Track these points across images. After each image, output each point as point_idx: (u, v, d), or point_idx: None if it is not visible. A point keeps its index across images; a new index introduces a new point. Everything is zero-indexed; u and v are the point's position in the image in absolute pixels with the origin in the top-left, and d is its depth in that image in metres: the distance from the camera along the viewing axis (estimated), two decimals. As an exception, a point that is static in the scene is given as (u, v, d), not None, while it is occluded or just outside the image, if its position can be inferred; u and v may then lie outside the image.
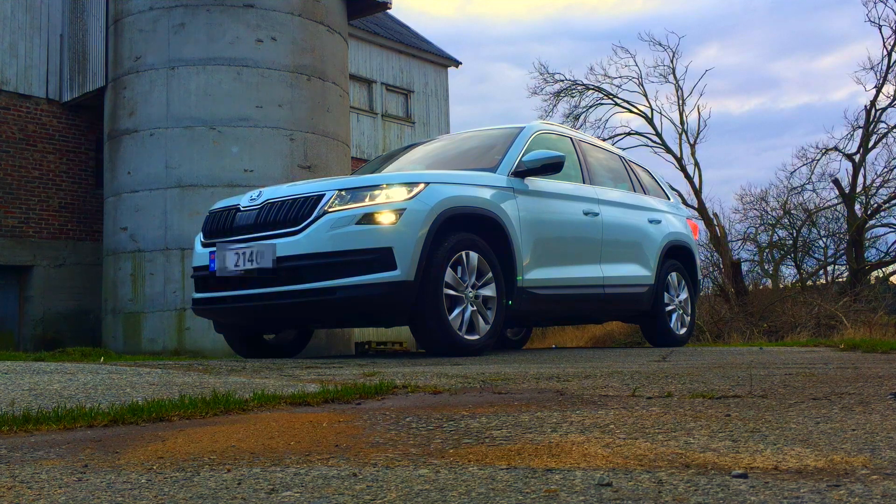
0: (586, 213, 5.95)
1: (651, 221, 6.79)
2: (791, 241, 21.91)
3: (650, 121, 23.39)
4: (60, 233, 11.33)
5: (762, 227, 22.76)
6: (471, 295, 4.87)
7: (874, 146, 20.74)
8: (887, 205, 20.46)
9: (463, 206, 4.87)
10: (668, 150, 23.11)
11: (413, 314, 4.69)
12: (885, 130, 20.60)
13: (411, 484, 1.29)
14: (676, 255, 7.08)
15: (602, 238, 6.10)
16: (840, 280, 20.37)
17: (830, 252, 21.84)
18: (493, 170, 5.35)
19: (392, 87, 16.85)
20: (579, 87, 23.62)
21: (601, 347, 11.89)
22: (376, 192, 4.64)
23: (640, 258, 6.55)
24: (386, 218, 4.53)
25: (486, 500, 1.19)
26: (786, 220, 22.23)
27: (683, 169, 22.76)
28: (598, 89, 23.65)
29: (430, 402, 2.35)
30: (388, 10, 12.65)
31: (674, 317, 6.94)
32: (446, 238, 4.75)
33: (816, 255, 22.21)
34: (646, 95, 25.59)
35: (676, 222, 7.24)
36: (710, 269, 19.30)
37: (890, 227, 20.88)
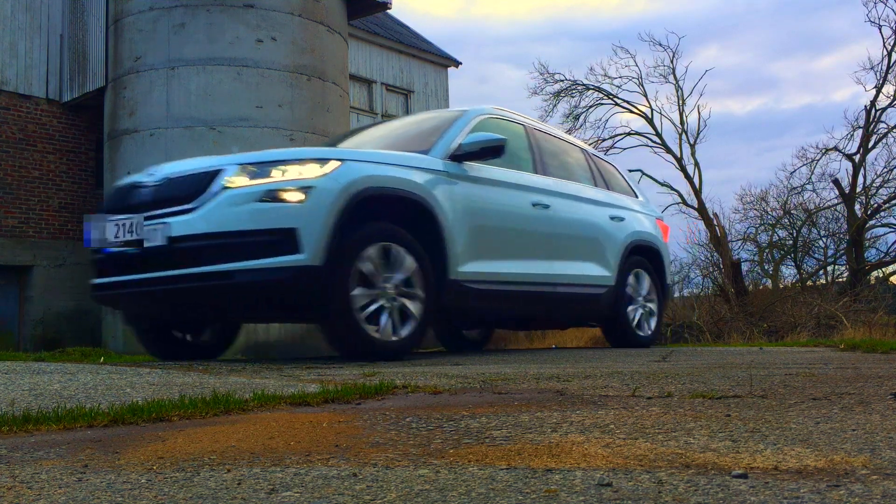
0: (535, 205, 5.52)
1: (613, 218, 6.40)
2: (791, 241, 21.91)
3: (650, 121, 23.40)
4: (60, 233, 11.33)
5: (762, 227, 22.77)
6: (391, 289, 4.40)
7: (874, 146, 20.75)
8: (887, 205, 20.46)
9: (384, 188, 4.42)
10: (668, 150, 23.12)
11: (322, 307, 4.21)
12: (885, 130, 20.61)
13: (411, 484, 1.29)
14: (642, 255, 6.72)
15: (553, 232, 5.67)
16: (840, 280, 20.36)
17: (830, 252, 21.85)
18: (427, 152, 4.91)
19: (392, 87, 16.86)
20: (579, 88, 23.63)
21: (601, 347, 11.88)
22: (284, 168, 4.20)
23: (598, 257, 6.14)
24: (291, 196, 4.10)
25: (486, 500, 1.19)
26: (786, 220, 22.23)
27: (683, 169, 22.78)
28: (598, 89, 23.66)
29: (430, 402, 2.35)
30: (388, 10, 12.66)
31: (637, 317, 6.58)
32: (364, 222, 4.33)
33: (816, 255, 22.22)
34: (646, 95, 25.65)
35: (643, 221, 6.87)
36: (710, 269, 19.30)
37: (890, 227, 20.89)
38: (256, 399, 2.32)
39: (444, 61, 18.19)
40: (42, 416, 1.99)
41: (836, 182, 20.71)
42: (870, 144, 20.58)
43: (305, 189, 4.12)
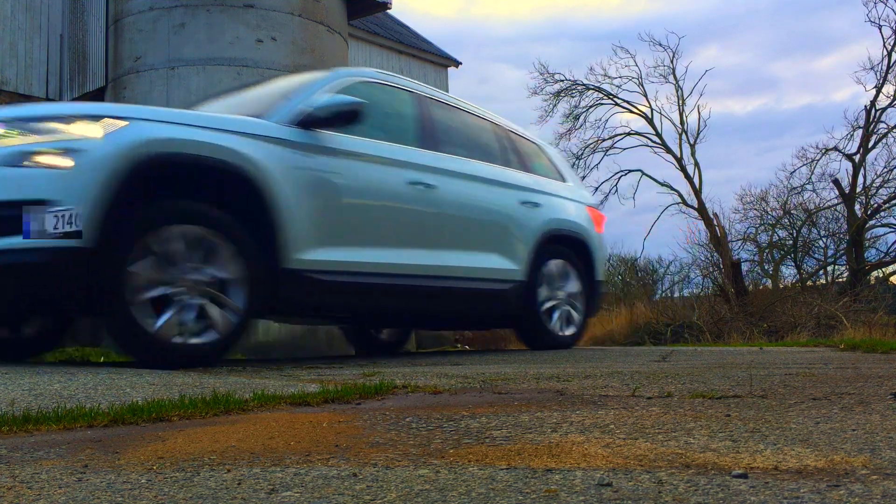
0: (414, 184, 4.70)
1: (525, 203, 5.58)
2: (791, 242, 21.92)
3: (650, 121, 23.40)
4: (60, 233, 11.32)
5: (762, 227, 22.77)
6: (195, 281, 3.63)
7: (874, 146, 20.74)
8: (887, 205, 20.45)
9: (185, 154, 3.63)
10: (668, 151, 23.12)
11: (95, 299, 3.48)
12: (886, 130, 20.60)
13: (411, 484, 1.29)
14: (565, 246, 5.93)
15: (439, 217, 4.87)
16: (840, 280, 20.36)
17: (830, 252, 21.84)
18: (266, 116, 4.16)
19: (392, 87, 16.84)
20: (579, 87, 23.61)
21: (601, 347, 11.89)
22: (47, 126, 3.44)
23: (502, 247, 5.33)
24: (51, 160, 3.31)
25: (486, 500, 1.19)
26: (786, 221, 22.23)
27: (683, 169, 22.78)
28: (598, 89, 23.65)
29: (430, 402, 2.36)
30: (388, 10, 12.66)
31: (555, 315, 5.78)
32: (158, 196, 3.59)
33: (816, 255, 22.21)
34: (646, 95, 25.57)
35: (567, 208, 6.04)
36: (710, 269, 19.32)
37: (890, 227, 20.88)
38: (256, 399, 2.32)
39: (444, 61, 18.20)
40: (42, 416, 1.99)
41: (836, 182, 20.72)
42: (870, 144, 20.58)
43: (71, 152, 3.33)
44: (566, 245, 5.97)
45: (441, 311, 5.35)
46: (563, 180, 6.34)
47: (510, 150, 5.90)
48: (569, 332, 5.94)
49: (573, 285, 5.97)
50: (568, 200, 6.14)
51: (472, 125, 5.70)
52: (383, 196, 4.57)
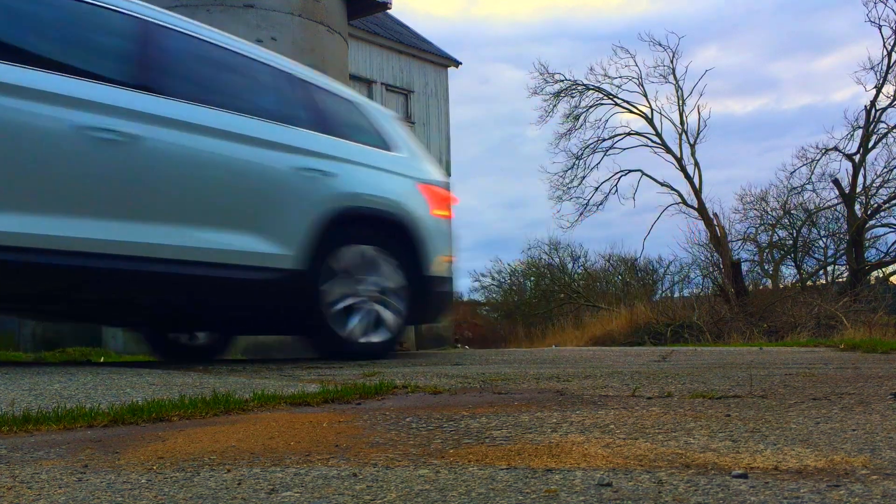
0: (94, 130, 3.52)
1: (305, 170, 4.33)
2: (791, 242, 21.93)
3: (650, 121, 23.40)
4: (60, 233, 11.30)
5: (762, 228, 22.80)
6: None
7: (874, 146, 20.77)
8: (887, 205, 20.48)
9: None
10: (669, 151, 23.12)
11: None
12: (886, 130, 20.63)
13: (411, 484, 1.29)
14: (377, 230, 4.70)
15: (143, 177, 3.71)
16: (840, 280, 20.39)
17: (830, 252, 21.88)
18: None
19: (392, 87, 16.86)
20: (579, 88, 23.61)
21: (601, 347, 11.89)
22: None
23: (260, 223, 4.14)
24: None
25: (486, 500, 1.19)
26: (786, 221, 22.25)
27: (683, 169, 22.78)
28: (598, 89, 23.65)
29: (430, 402, 2.36)
30: (388, 10, 12.67)
31: (356, 317, 4.52)
32: None
33: (816, 256, 22.25)
34: (646, 96, 25.55)
35: (381, 181, 4.78)
36: (710, 269, 19.34)
37: (890, 227, 20.91)
38: (256, 399, 2.32)
39: (444, 61, 18.22)
40: (42, 416, 1.99)
41: (836, 182, 20.73)
42: (870, 144, 20.60)
43: None
44: (378, 227, 4.72)
45: (154, 302, 4.13)
46: (388, 148, 5.03)
47: (300, 105, 4.65)
48: (376, 338, 4.64)
49: (388, 280, 4.71)
50: (385, 172, 4.84)
51: (237, 69, 4.49)
52: (28, 143, 3.37)
